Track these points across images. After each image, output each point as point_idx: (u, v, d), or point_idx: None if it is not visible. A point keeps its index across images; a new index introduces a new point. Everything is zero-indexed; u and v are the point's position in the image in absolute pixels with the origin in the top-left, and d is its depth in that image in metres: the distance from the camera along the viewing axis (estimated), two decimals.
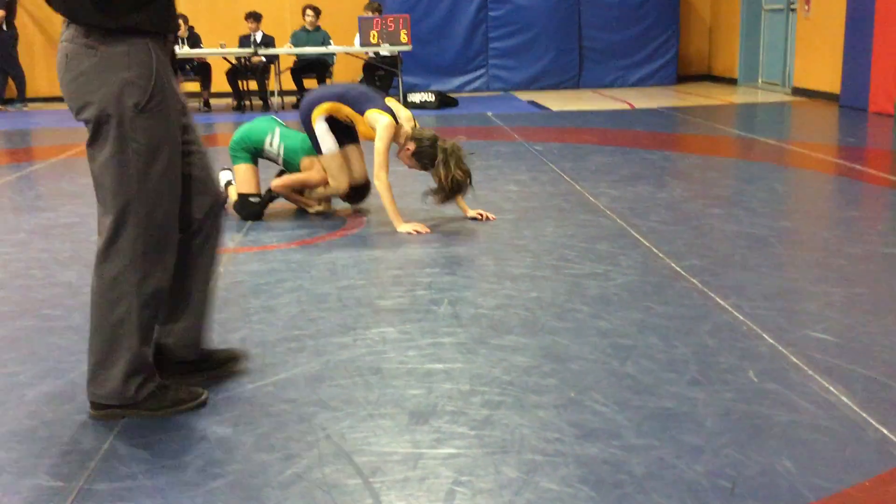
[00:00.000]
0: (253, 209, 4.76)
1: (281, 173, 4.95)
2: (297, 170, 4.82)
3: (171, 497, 1.97)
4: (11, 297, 3.47)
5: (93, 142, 2.22)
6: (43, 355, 2.85)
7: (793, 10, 11.29)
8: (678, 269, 3.62)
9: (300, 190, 4.90)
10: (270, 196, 4.83)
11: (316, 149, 4.64)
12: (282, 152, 4.79)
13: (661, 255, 3.84)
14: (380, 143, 4.38)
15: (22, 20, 12.16)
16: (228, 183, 5.01)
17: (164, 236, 2.29)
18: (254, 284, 3.59)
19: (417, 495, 1.96)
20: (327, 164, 4.65)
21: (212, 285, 2.52)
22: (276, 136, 4.79)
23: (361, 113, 4.48)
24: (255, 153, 4.82)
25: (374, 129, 4.43)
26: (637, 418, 2.30)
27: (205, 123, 9.92)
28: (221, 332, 3.01)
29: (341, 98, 4.56)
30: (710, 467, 2.04)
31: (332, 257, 3.97)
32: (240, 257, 4.03)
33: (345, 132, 4.68)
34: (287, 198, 4.93)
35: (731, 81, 12.86)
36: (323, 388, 2.54)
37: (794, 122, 8.97)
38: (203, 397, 2.43)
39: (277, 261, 3.95)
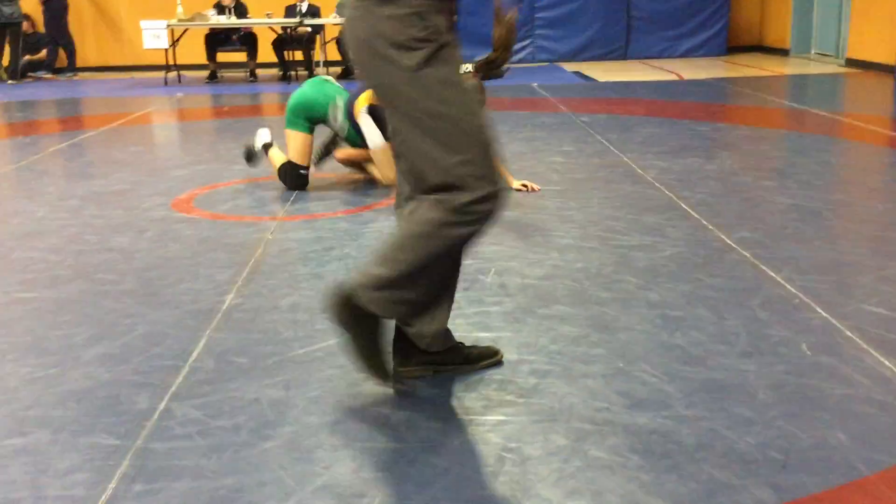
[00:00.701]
0: (300, 181, 4.73)
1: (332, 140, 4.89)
2: (361, 145, 4.68)
3: (225, 457, 2.01)
4: (66, 262, 3.54)
5: (391, 110, 2.11)
6: (98, 318, 2.91)
7: None
8: (728, 241, 3.58)
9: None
10: (325, 153, 4.77)
11: (363, 145, 4.53)
12: (346, 131, 4.66)
13: (710, 227, 3.79)
14: None
15: None
16: (267, 145, 4.91)
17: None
18: (302, 252, 3.62)
19: (467, 461, 1.97)
20: (376, 158, 4.53)
21: (453, 276, 2.29)
22: (340, 114, 4.62)
23: None
24: (315, 122, 4.70)
25: None
26: (687, 389, 2.28)
27: (251, 93, 9.98)
28: (271, 299, 3.05)
29: (360, 91, 4.46)
30: (761, 439, 2.02)
31: (378, 226, 3.99)
32: (287, 225, 4.06)
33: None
34: (350, 167, 4.89)
35: (783, 52, 12.57)
36: None
37: (848, 94, 8.76)
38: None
39: (325, 229, 3.98)
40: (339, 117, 4.64)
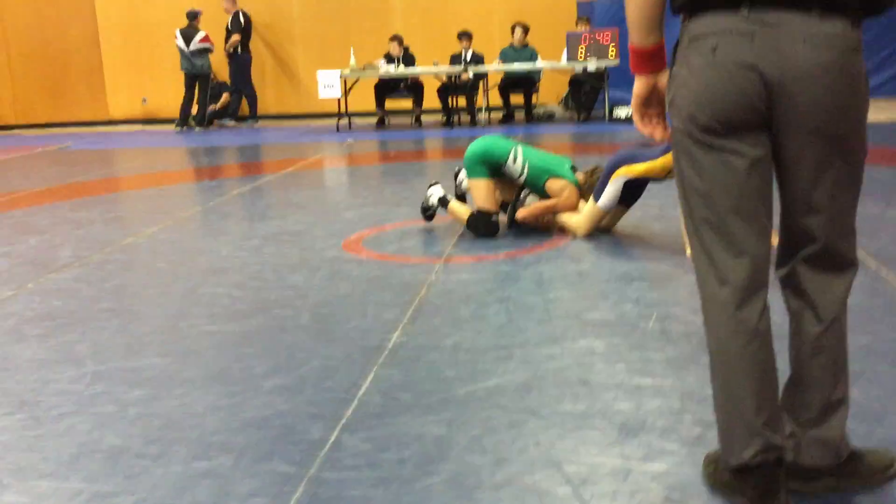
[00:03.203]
0: (492, 228, 4.73)
1: (504, 204, 4.90)
2: (541, 190, 4.75)
3: (392, 490, 2.09)
4: (247, 297, 3.80)
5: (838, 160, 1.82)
6: (276, 351, 3.10)
7: None
8: None
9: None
10: (512, 219, 4.82)
11: (595, 195, 4.57)
12: (525, 171, 4.73)
13: (891, 276, 3.59)
14: None
15: (256, 45, 13.22)
16: (444, 200, 4.95)
17: None
18: (464, 293, 3.72)
19: None
20: (588, 210, 4.61)
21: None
22: (520, 153, 4.73)
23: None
24: (493, 169, 4.76)
25: None
26: (862, 447, 2.17)
27: (416, 139, 10.34)
28: (434, 338, 3.15)
29: (636, 159, 4.47)
30: None
31: (539, 269, 4.03)
32: (450, 266, 4.18)
33: (633, 195, 4.64)
34: (535, 225, 4.91)
35: None
36: (532, 396, 2.59)
37: None
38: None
39: (486, 271, 4.06)
40: (518, 159, 4.72)
